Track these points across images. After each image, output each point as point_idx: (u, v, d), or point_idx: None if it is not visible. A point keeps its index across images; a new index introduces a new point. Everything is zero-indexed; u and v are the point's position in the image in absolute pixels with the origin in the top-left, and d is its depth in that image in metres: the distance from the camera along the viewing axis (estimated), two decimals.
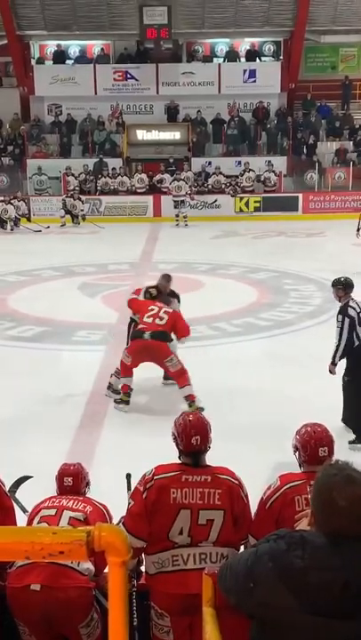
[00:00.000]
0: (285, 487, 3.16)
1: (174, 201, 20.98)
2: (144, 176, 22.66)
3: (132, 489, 3.36)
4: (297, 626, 1.87)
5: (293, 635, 1.88)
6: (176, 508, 3.17)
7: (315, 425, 3.39)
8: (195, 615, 3.10)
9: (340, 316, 6.45)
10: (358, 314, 6.45)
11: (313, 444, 3.28)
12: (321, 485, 2.00)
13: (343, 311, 6.48)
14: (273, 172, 22.46)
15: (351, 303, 6.53)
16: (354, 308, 6.47)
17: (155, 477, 3.23)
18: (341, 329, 6.39)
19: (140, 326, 7.21)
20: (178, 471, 3.25)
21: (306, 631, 1.86)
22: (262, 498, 3.21)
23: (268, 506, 3.16)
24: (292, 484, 3.17)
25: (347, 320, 6.39)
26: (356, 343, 6.41)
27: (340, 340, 6.43)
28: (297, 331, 10.17)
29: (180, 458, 3.36)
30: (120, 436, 6.66)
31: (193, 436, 3.31)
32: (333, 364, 6.54)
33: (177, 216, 20.90)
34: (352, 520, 1.91)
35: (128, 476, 3.68)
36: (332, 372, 6.58)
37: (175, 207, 20.97)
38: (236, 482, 3.26)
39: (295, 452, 3.36)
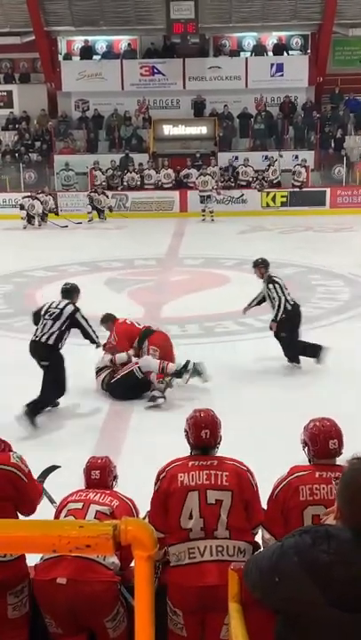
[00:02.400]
0: (291, 477, 3.20)
1: (201, 196, 20.94)
2: (170, 171, 22.64)
3: None
4: (323, 620, 1.86)
5: (319, 629, 1.88)
6: (184, 491, 3.25)
7: (323, 419, 3.40)
8: (208, 612, 3.12)
9: (270, 285, 8.12)
10: (281, 280, 8.25)
11: (322, 437, 3.29)
12: (347, 480, 1.99)
13: (271, 280, 8.17)
14: (304, 166, 22.26)
15: (273, 274, 8.34)
16: (277, 276, 8.33)
17: (167, 469, 3.36)
18: (276, 291, 8.04)
19: (144, 325, 7.97)
20: (186, 459, 3.38)
21: (332, 626, 1.85)
22: (272, 488, 3.26)
23: (274, 496, 3.22)
24: (297, 474, 3.21)
25: (277, 285, 8.10)
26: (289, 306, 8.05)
27: (279, 302, 8.00)
28: (325, 326, 10.10)
29: (191, 453, 3.45)
30: (147, 430, 6.68)
31: (203, 429, 3.41)
32: (275, 321, 8.08)
33: (203, 211, 20.86)
34: None
35: None
36: (272, 328, 8.14)
37: (201, 202, 20.93)
38: (244, 468, 3.35)
39: (304, 447, 3.37)
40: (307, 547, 1.91)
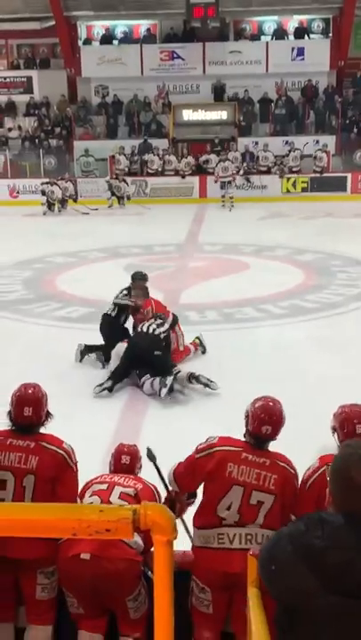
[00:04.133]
0: (324, 468, 3.16)
1: (221, 182, 20.84)
2: (191, 159, 22.55)
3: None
4: (320, 607, 1.86)
5: (316, 616, 1.88)
6: (230, 482, 3.22)
7: (352, 405, 3.38)
8: (235, 591, 3.14)
9: None
10: None
11: (350, 421, 3.28)
12: (339, 465, 2.00)
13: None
14: (325, 151, 22.06)
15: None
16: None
17: (216, 448, 3.30)
18: None
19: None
20: (240, 448, 3.30)
21: (329, 612, 1.85)
22: (303, 479, 3.23)
23: (307, 486, 3.19)
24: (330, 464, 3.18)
25: None
26: None
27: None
28: (344, 313, 10.05)
29: (244, 435, 3.37)
30: (166, 416, 6.71)
31: (266, 424, 3.31)
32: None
33: (223, 197, 20.78)
34: None
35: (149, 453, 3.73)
36: None
37: (221, 188, 20.83)
38: (293, 471, 3.28)
39: (333, 433, 3.35)
40: (300, 533, 1.92)
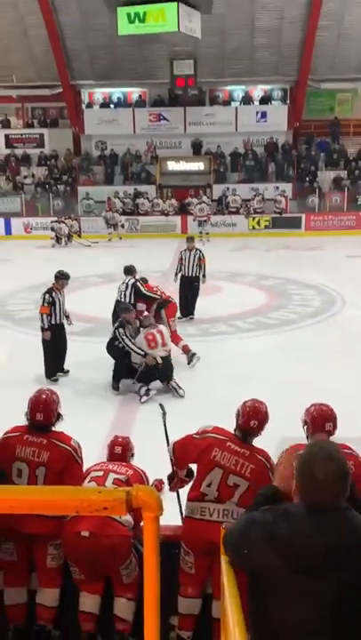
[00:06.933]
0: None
1: (198, 221, 20.97)
2: (174, 201, 22.71)
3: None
4: (285, 584, 1.85)
5: (282, 591, 1.86)
6: (213, 464, 3.26)
7: (321, 404, 3.39)
8: (214, 559, 3.13)
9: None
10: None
11: (320, 419, 3.28)
12: (304, 461, 1.94)
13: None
14: (284, 196, 22.30)
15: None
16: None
17: (209, 434, 3.34)
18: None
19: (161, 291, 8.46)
20: (227, 437, 3.33)
21: (292, 588, 1.83)
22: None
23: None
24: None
25: None
26: None
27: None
28: (300, 328, 10.10)
29: (234, 430, 3.37)
30: (155, 424, 6.68)
31: (253, 419, 3.34)
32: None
33: (200, 233, 20.87)
34: (329, 492, 1.86)
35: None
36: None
37: (199, 226, 20.98)
38: (269, 465, 3.25)
39: (304, 425, 3.34)
40: (268, 523, 1.89)
